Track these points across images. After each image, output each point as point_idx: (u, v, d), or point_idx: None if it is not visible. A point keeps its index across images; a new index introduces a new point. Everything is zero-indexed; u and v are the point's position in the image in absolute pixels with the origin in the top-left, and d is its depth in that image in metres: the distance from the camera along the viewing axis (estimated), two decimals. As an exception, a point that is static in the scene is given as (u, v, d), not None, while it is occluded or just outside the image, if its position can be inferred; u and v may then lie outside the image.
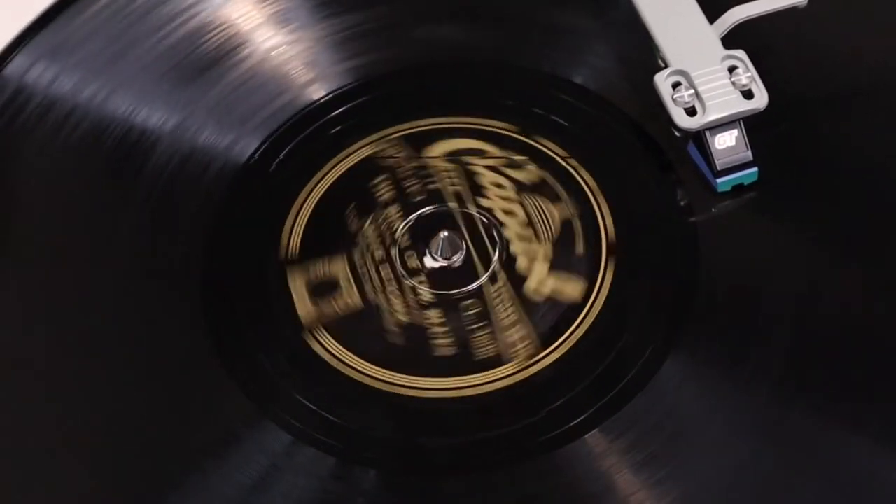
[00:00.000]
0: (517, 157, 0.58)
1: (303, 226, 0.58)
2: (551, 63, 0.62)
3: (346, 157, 0.60)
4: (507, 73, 0.62)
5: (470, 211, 0.58)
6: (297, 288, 0.57)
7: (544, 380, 0.53)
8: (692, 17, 0.59)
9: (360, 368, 0.54)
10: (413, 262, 0.57)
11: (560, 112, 0.60)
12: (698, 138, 0.57)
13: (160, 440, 0.53)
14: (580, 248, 0.56)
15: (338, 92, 0.62)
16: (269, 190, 0.60)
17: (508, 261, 0.56)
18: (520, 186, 0.58)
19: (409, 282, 0.57)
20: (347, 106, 0.61)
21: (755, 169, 0.57)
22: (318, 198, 0.59)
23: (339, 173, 0.59)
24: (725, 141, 0.57)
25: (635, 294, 0.55)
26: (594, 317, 0.55)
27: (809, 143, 0.58)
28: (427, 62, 0.63)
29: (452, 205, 0.58)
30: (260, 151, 0.60)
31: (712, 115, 0.56)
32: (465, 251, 0.57)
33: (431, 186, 0.59)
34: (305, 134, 0.61)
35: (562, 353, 0.54)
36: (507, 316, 0.55)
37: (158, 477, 0.53)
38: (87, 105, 0.62)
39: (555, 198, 0.57)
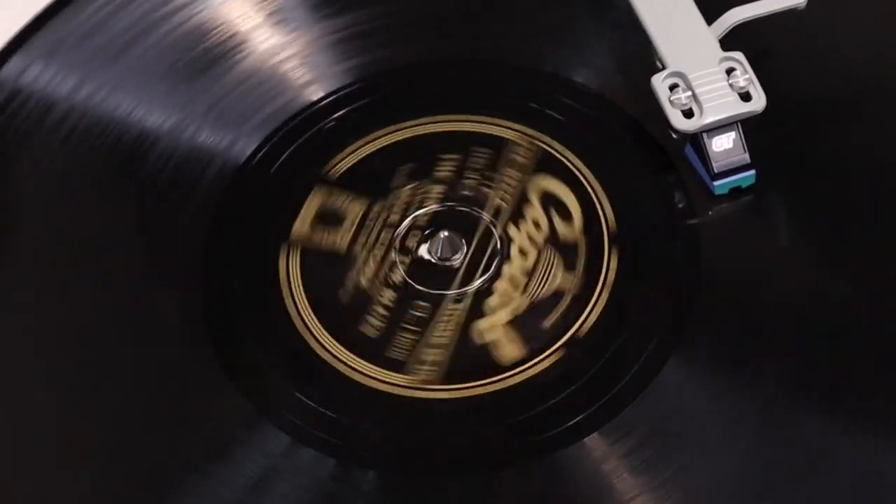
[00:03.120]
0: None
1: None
2: (552, 62, 0.62)
3: (346, 157, 0.60)
4: (507, 72, 0.62)
5: (494, 230, 0.57)
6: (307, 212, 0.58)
7: (544, 382, 0.53)
8: (690, 18, 0.59)
9: (360, 369, 0.54)
10: (412, 242, 0.57)
11: (561, 111, 0.60)
12: (695, 140, 0.57)
13: (159, 441, 0.53)
14: (550, 322, 0.55)
15: (336, 92, 0.62)
16: (268, 191, 0.60)
17: (484, 292, 0.56)
18: (552, 238, 0.57)
19: (394, 256, 0.57)
20: (346, 106, 0.61)
21: (753, 172, 0.57)
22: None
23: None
24: (723, 143, 0.57)
25: (636, 294, 0.55)
26: (595, 317, 0.55)
27: (807, 146, 0.58)
28: (426, 62, 0.63)
29: (486, 216, 0.58)
30: (259, 152, 0.60)
31: (709, 118, 0.56)
32: (461, 257, 0.57)
33: (484, 189, 0.58)
34: (304, 135, 0.61)
35: (562, 354, 0.54)
36: (439, 336, 0.55)
37: (157, 478, 0.53)
38: (85, 106, 0.62)
39: (570, 266, 0.56)
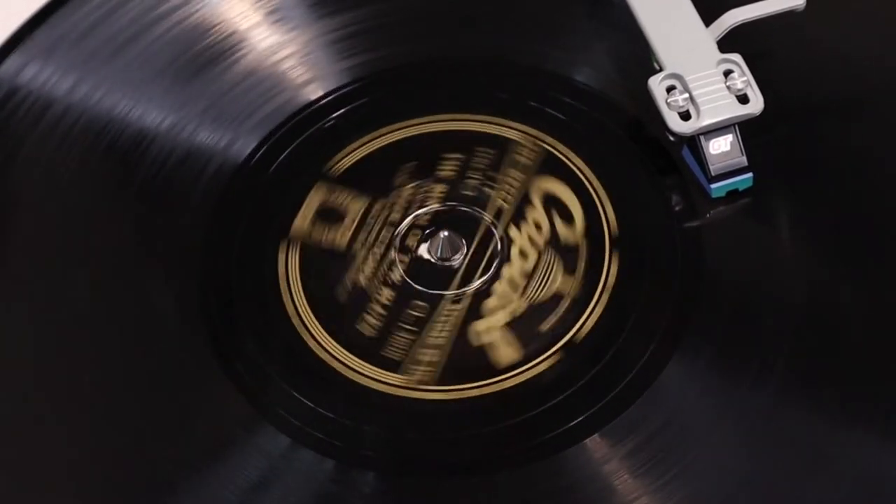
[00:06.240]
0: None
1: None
2: (553, 61, 0.62)
3: (346, 156, 0.60)
4: (507, 71, 0.62)
5: (495, 230, 0.58)
6: (307, 208, 0.58)
7: (545, 383, 0.53)
8: (688, 19, 0.59)
9: (359, 370, 0.55)
10: (412, 241, 0.57)
11: (562, 111, 0.60)
12: (693, 143, 0.57)
13: (158, 442, 0.53)
14: (549, 324, 0.55)
15: (336, 91, 0.62)
16: (266, 190, 0.60)
17: (483, 293, 0.56)
18: (553, 240, 0.57)
19: (394, 255, 0.57)
20: (346, 105, 0.61)
21: (750, 175, 0.57)
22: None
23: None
24: (720, 146, 0.57)
25: (636, 296, 0.55)
26: (596, 319, 0.55)
27: (805, 149, 0.58)
28: (426, 61, 0.63)
29: (487, 216, 0.58)
30: (258, 151, 0.60)
31: (706, 120, 0.56)
32: (461, 258, 0.57)
33: (486, 189, 0.59)
34: (303, 134, 0.61)
35: (563, 355, 0.54)
36: (436, 337, 0.55)
37: (156, 479, 0.53)
38: (83, 105, 0.62)
39: (570, 268, 0.56)
